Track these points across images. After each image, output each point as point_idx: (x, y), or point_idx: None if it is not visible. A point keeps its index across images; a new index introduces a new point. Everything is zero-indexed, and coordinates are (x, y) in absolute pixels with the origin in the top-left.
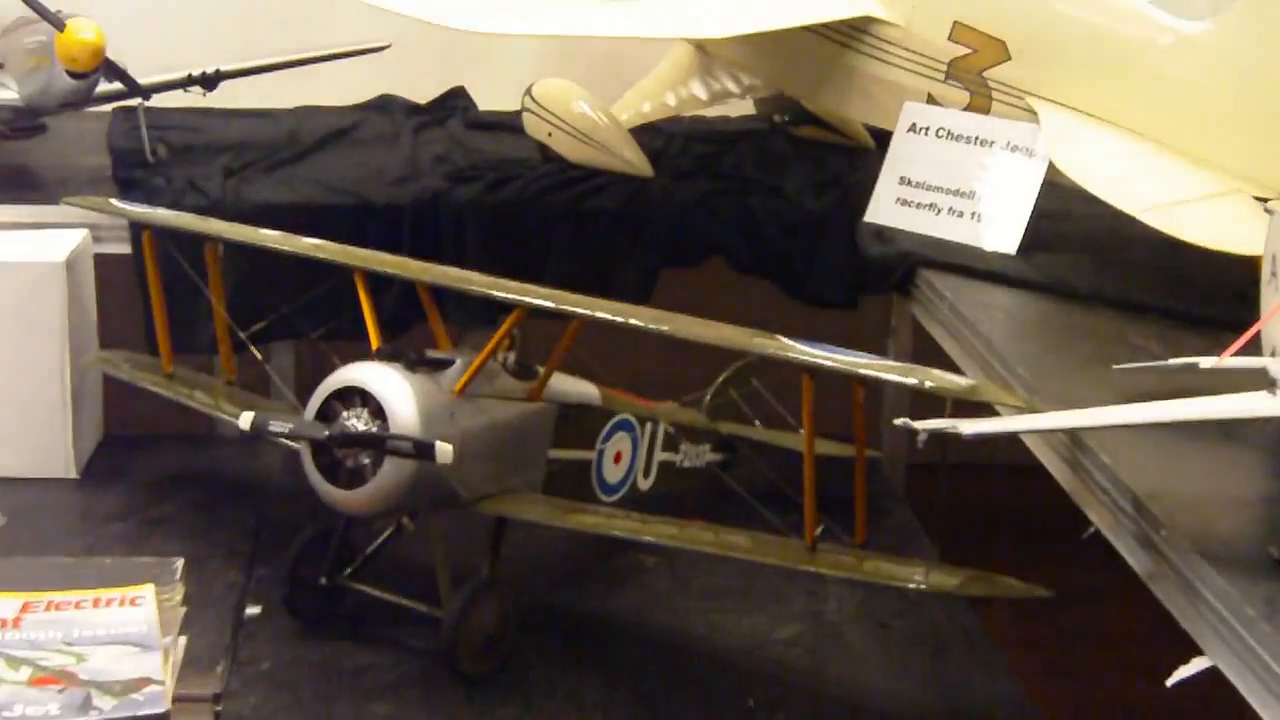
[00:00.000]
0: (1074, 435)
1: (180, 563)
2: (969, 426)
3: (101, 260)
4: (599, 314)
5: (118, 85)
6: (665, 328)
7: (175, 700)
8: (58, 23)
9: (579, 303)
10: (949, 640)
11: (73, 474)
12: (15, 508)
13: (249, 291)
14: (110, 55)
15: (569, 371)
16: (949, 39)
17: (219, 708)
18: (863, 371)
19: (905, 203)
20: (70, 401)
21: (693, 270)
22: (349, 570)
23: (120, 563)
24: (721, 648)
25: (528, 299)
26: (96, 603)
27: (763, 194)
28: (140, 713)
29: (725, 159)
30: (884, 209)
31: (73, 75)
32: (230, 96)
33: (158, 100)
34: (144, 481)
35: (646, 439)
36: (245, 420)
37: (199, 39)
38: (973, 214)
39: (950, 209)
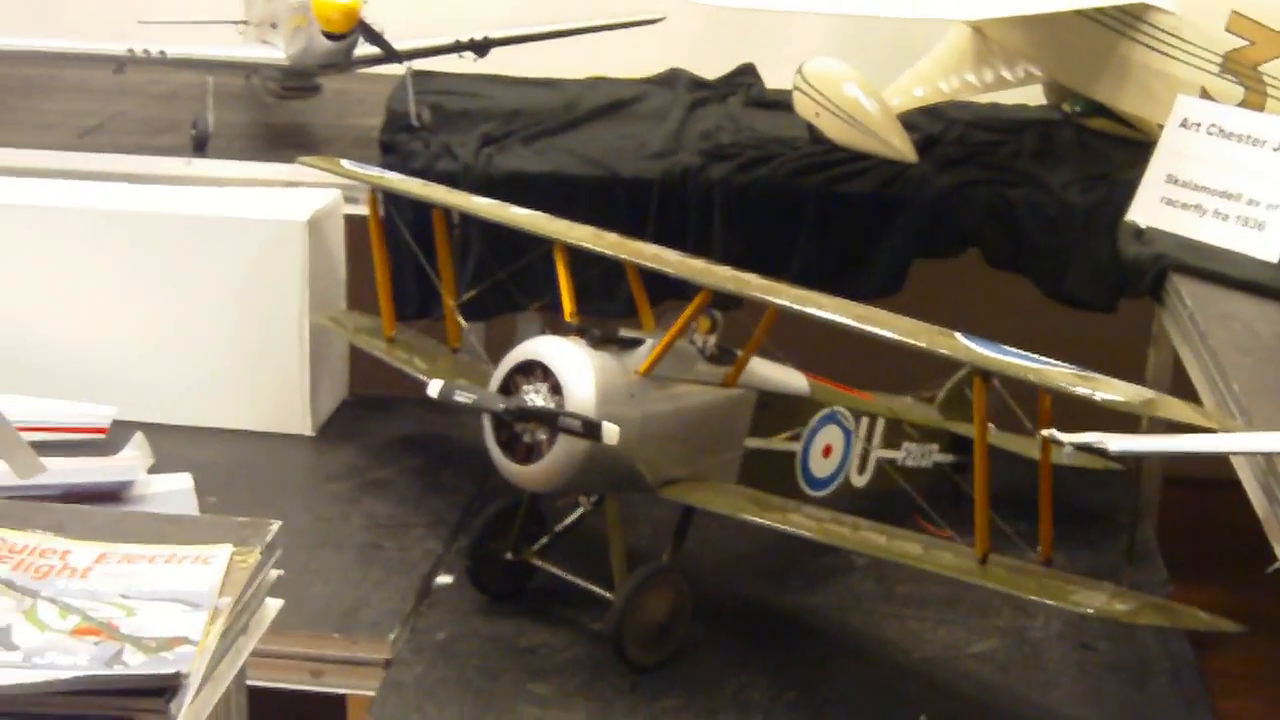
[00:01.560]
0: (1270, 459)
1: (274, 525)
2: (1116, 443)
3: (356, 222)
4: (778, 300)
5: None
6: (839, 317)
7: (350, 663)
8: None
9: (761, 287)
10: (1155, 670)
11: (309, 431)
12: (244, 460)
13: (475, 260)
14: (370, 18)
15: (779, 360)
16: (1225, 30)
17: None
18: (1029, 376)
19: (1170, 202)
20: (309, 359)
21: (948, 262)
22: (535, 547)
23: (212, 520)
24: (910, 657)
25: (708, 281)
26: (170, 558)
27: (1026, 186)
28: (163, 670)
29: (1002, 148)
30: (1148, 207)
31: (329, 37)
32: (524, 65)
33: (447, 65)
34: (374, 443)
35: (863, 434)
36: (434, 388)
37: (477, 5)
38: (1238, 217)
39: (1215, 211)
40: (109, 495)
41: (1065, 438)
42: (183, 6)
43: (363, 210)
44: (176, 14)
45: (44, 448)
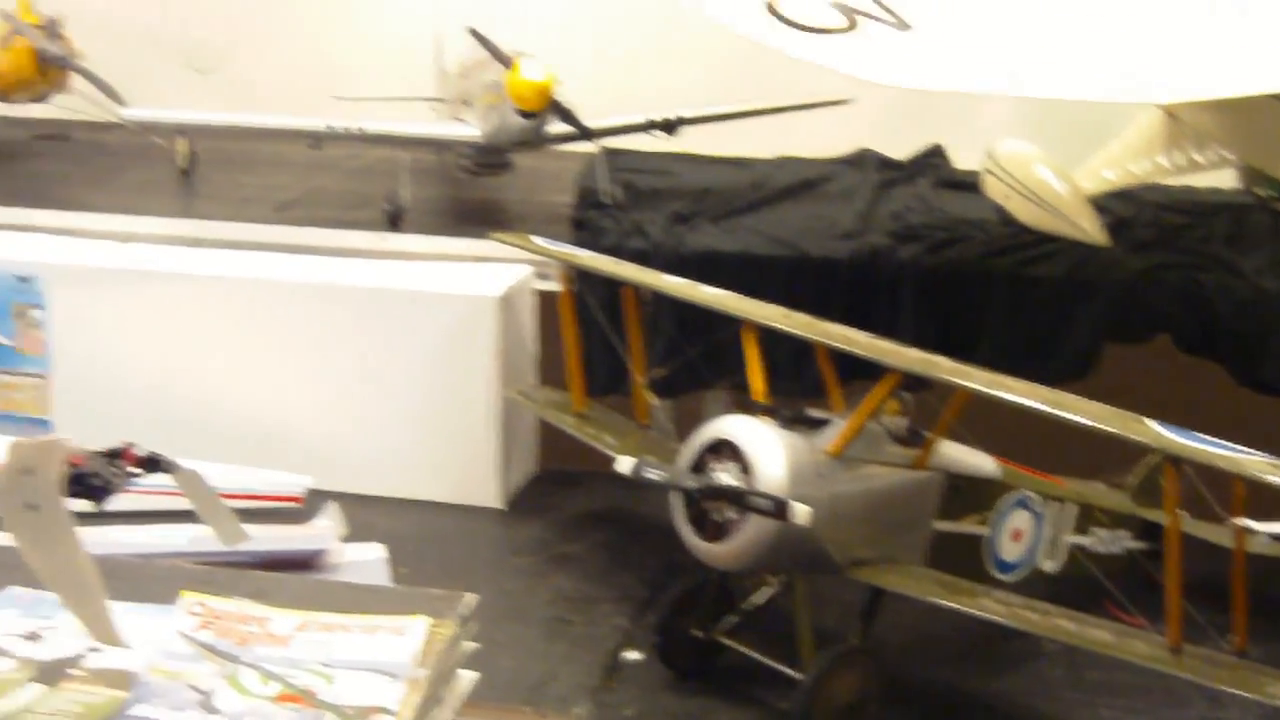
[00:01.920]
0: None
1: (470, 599)
2: None
3: (546, 298)
4: (969, 383)
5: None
6: (1029, 401)
7: None
8: (506, 61)
9: (951, 370)
10: None
11: (498, 504)
12: (434, 531)
13: (664, 338)
14: (563, 97)
15: (968, 442)
16: None
17: None
18: (1222, 464)
19: None
20: (500, 433)
21: (1139, 346)
22: (723, 625)
23: (409, 592)
24: None
25: (898, 363)
26: (369, 628)
27: (1218, 270)
28: None
29: (1194, 232)
30: None
31: (522, 114)
32: (713, 144)
33: (633, 143)
34: (562, 517)
35: (1052, 518)
36: (624, 465)
37: (668, 84)
38: None
39: None
40: (303, 563)
41: (1259, 526)
42: (377, 82)
43: (553, 286)
44: (371, 90)
45: (240, 515)
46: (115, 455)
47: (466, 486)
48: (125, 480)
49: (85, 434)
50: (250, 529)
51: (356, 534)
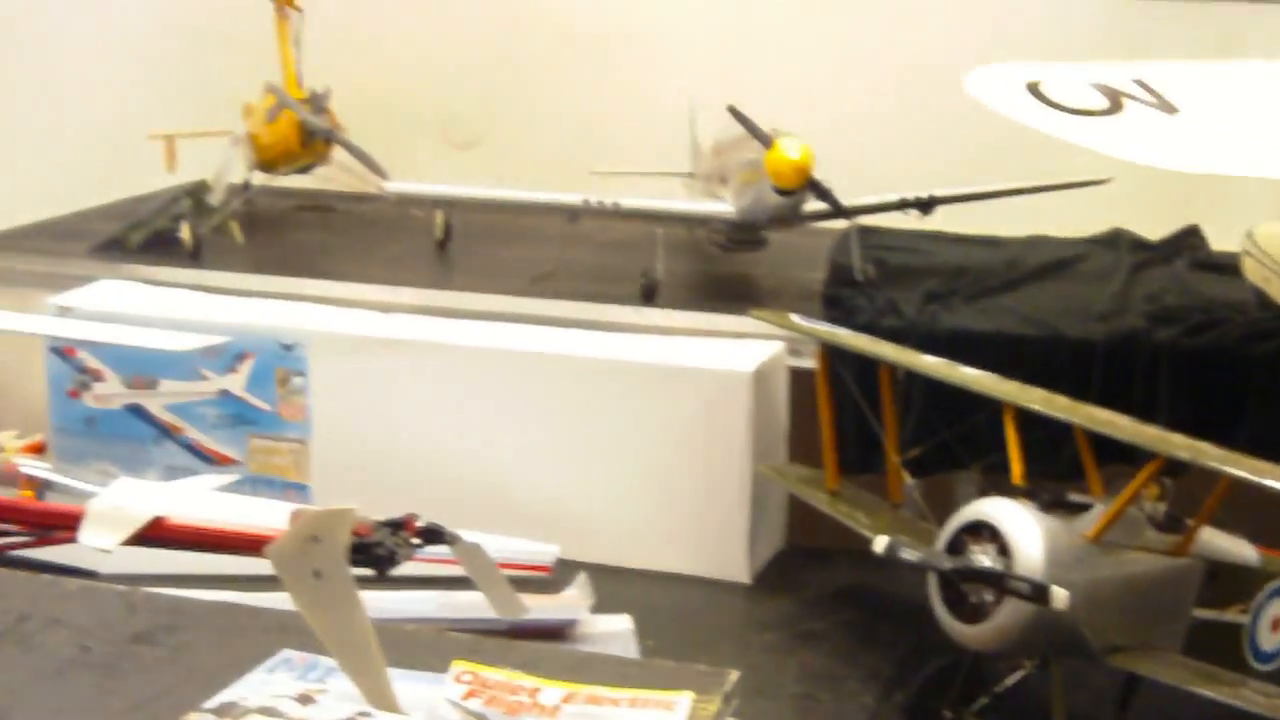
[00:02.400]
0: None
1: (732, 675)
2: None
3: (798, 375)
4: (1236, 470)
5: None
6: None
7: None
8: (766, 140)
9: (1217, 457)
10: None
11: (745, 579)
12: (681, 604)
13: (917, 416)
14: (818, 174)
15: (1227, 528)
16: None
17: None
18: None
19: None
20: (750, 508)
21: None
22: (974, 707)
23: (673, 667)
24: None
25: (1163, 448)
26: (633, 702)
27: None
28: None
29: None
30: None
31: (779, 192)
32: (966, 222)
33: (885, 220)
34: (809, 594)
35: None
36: (879, 544)
37: (922, 161)
38: None
39: None
40: (553, 633)
41: None
42: (632, 157)
43: (806, 362)
44: (626, 165)
45: None
46: (398, 526)
47: (714, 560)
48: (410, 551)
49: (341, 499)
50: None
51: (604, 605)
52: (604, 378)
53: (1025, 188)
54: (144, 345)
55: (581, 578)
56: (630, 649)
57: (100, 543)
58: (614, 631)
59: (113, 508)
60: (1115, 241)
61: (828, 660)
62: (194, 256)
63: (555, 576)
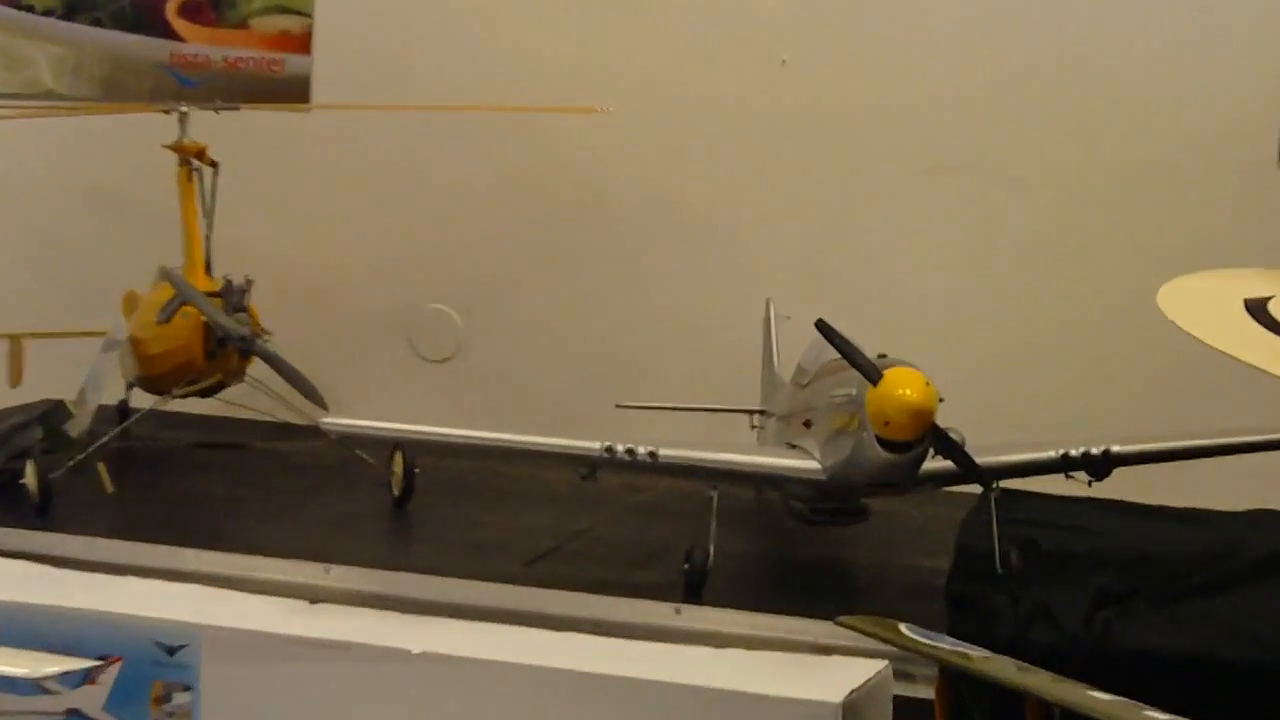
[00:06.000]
0: None
1: None
2: None
3: (907, 707)
4: None
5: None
6: None
7: None
8: (871, 371)
9: None
10: None
11: None
12: None
13: None
14: (941, 422)
15: None
16: None
17: None
18: None
19: None
20: None
21: None
22: None
23: None
24: None
25: None
26: None
27: None
28: None
29: None
30: None
31: (887, 445)
32: (1157, 488)
33: (1040, 485)
34: None
35: None
36: None
37: (1093, 403)
38: None
39: None
40: None
41: None
42: (674, 389)
43: (916, 691)
44: (664, 397)
45: None
46: None
47: None
48: None
49: None
50: None
51: None
52: (629, 706)
53: (1236, 442)
54: None
55: None
56: None
57: None
58: None
59: None
60: None
61: None
62: (41, 512)
63: None
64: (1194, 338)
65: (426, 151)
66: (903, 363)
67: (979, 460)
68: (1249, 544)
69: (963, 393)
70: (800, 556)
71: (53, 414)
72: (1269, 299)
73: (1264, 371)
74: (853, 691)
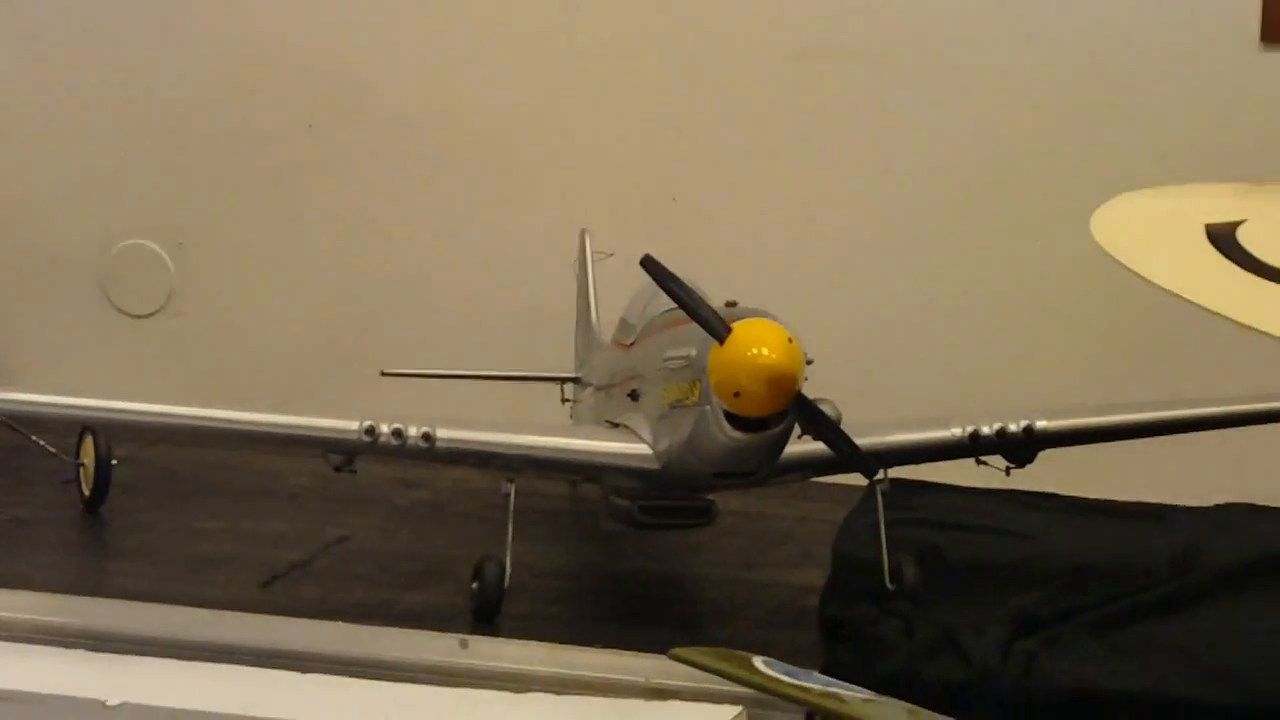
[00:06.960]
0: None
1: None
2: None
3: None
4: None
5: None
6: None
7: None
8: (719, 326)
9: None
10: None
11: None
12: None
13: None
14: (810, 392)
15: None
16: None
17: None
18: None
19: None
20: None
21: None
22: None
23: None
24: None
25: None
26: None
27: None
28: None
29: None
30: None
31: (735, 422)
32: (1085, 479)
33: (944, 474)
34: None
35: None
36: None
37: (1013, 376)
38: None
39: None
40: None
41: None
42: (455, 349)
43: None
44: (442, 361)
45: None
46: None
47: None
48: None
49: None
50: None
51: None
52: None
53: (1207, 416)
54: None
55: None
56: None
57: None
58: None
59: None
60: None
61: None
62: None
63: None
64: (1135, 274)
65: (117, 31)
66: (758, 312)
67: (861, 442)
68: (1213, 550)
69: (841, 353)
70: (625, 570)
71: None
72: (1239, 224)
73: (1227, 319)
74: None
